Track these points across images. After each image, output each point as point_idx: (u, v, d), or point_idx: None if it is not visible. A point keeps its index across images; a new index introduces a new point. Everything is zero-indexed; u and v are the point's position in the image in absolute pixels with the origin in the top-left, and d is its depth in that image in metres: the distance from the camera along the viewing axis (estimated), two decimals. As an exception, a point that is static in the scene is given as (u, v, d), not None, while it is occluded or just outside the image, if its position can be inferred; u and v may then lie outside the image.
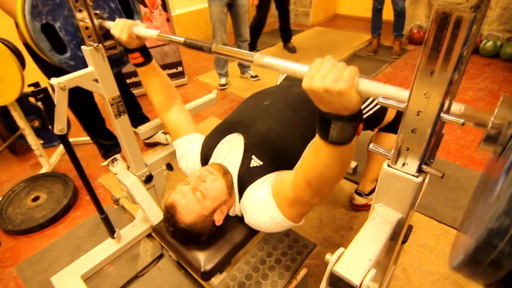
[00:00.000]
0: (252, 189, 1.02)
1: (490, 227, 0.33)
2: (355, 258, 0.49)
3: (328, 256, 0.51)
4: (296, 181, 0.84)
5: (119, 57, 1.31)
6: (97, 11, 1.18)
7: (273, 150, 1.06)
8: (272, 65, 0.69)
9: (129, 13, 1.33)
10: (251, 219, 1.02)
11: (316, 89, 0.56)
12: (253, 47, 3.94)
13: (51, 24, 1.12)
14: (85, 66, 1.22)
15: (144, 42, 1.14)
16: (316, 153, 0.71)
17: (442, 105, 0.44)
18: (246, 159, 1.05)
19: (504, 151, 0.41)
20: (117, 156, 2.17)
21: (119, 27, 1.07)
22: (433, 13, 0.40)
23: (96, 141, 2.10)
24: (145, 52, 1.17)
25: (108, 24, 1.14)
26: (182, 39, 0.94)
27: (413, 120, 0.48)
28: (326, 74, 0.55)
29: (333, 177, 0.75)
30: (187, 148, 1.22)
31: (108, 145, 2.13)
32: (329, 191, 0.81)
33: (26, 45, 1.61)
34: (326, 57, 0.59)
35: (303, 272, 1.07)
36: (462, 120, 0.45)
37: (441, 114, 0.45)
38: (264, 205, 0.95)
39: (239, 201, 1.06)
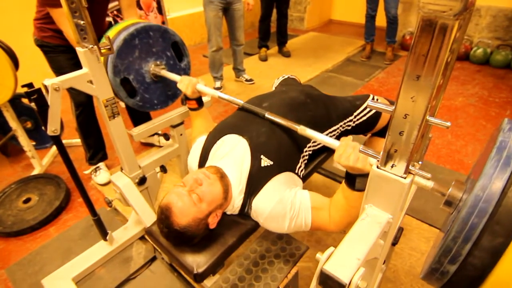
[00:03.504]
0: (271, 189, 1.05)
1: (431, 267, 0.61)
2: (345, 257, 0.50)
3: (318, 255, 0.52)
4: (335, 222, 1.03)
5: (175, 94, 1.64)
6: (158, 62, 1.49)
7: (279, 150, 1.11)
8: (312, 136, 1.01)
9: (180, 56, 1.59)
10: (277, 219, 1.05)
11: (344, 165, 0.88)
12: (260, 44, 3.98)
13: (126, 77, 1.41)
14: (151, 105, 1.56)
15: (201, 95, 1.42)
16: (347, 200, 0.97)
17: (428, 108, 0.46)
18: (255, 159, 1.08)
19: (452, 213, 0.65)
20: (101, 165, 2.11)
21: (185, 84, 1.35)
22: (418, 20, 0.42)
23: (86, 144, 2.03)
24: (200, 101, 1.43)
25: (174, 77, 1.42)
26: (241, 103, 1.23)
27: (401, 123, 0.49)
28: (349, 155, 0.85)
29: (359, 211, 0.90)
30: (194, 145, 1.31)
31: (96, 151, 2.06)
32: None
33: (41, 46, 1.73)
34: (348, 138, 0.90)
35: (294, 270, 1.08)
36: (448, 123, 0.47)
37: (427, 117, 0.47)
38: (300, 215, 1.04)
39: (249, 201, 1.08)
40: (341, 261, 0.49)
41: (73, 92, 1.76)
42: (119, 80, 1.38)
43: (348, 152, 0.86)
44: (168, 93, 1.60)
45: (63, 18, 1.54)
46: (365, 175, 0.83)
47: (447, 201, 0.64)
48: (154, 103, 1.56)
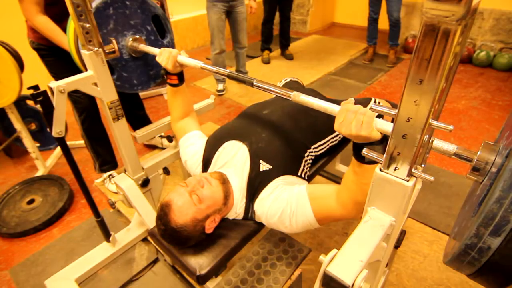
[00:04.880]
0: (270, 191, 1.05)
1: (466, 243, 0.49)
2: (348, 259, 0.50)
3: (321, 257, 0.52)
4: (343, 203, 0.92)
5: (157, 74, 1.50)
6: (137, 36, 1.35)
7: (279, 155, 1.11)
8: (308, 102, 0.85)
9: (162, 32, 1.46)
10: (274, 219, 1.04)
11: (345, 134, 0.73)
12: (263, 47, 4.00)
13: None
14: (131, 85, 1.43)
15: (184, 68, 1.29)
16: (357, 175, 0.83)
17: (431, 112, 0.46)
18: (254, 164, 1.09)
19: (483, 181, 0.55)
20: (114, 173, 2.08)
21: (165, 57, 1.21)
22: (421, 25, 0.42)
23: (95, 151, 1.99)
24: (181, 76, 1.31)
25: (152, 50, 1.28)
26: (226, 72, 1.10)
27: (404, 126, 0.50)
28: (350, 122, 0.71)
29: None
30: (188, 143, 1.29)
31: (106, 158, 2.03)
32: None
33: (37, 49, 1.69)
34: (349, 100, 0.76)
35: (297, 272, 1.08)
36: (451, 127, 0.47)
37: (430, 121, 0.47)
38: (299, 209, 0.99)
39: (251, 205, 1.09)
40: (344, 263, 0.50)
41: (74, 97, 1.74)
42: None
43: (349, 118, 0.72)
44: (150, 73, 1.47)
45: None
46: (374, 143, 0.74)
47: (475, 167, 0.54)
48: (134, 83, 1.43)
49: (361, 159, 0.79)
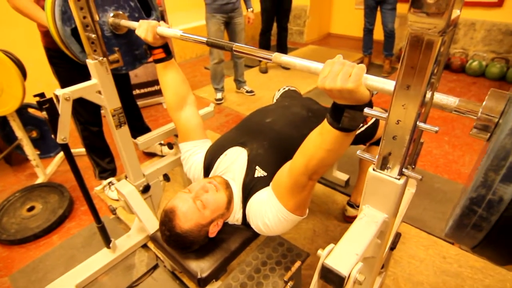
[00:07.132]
0: (257, 197, 1.08)
1: (471, 196, 0.40)
2: (344, 253, 0.54)
3: (320, 251, 0.55)
4: (294, 167, 0.89)
5: (143, 54, 1.40)
6: (120, 11, 1.27)
7: (276, 162, 1.11)
8: (289, 62, 0.77)
9: (147, 10, 1.39)
10: (257, 221, 1.06)
11: (329, 89, 0.64)
12: None
13: (79, 28, 1.18)
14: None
15: (167, 40, 1.22)
16: (323, 139, 0.77)
17: (418, 115, 0.51)
18: (250, 169, 1.11)
19: (490, 137, 0.46)
20: (113, 180, 2.10)
21: (144, 29, 1.14)
22: (407, 36, 0.47)
23: (93, 159, 2.03)
24: (166, 49, 1.24)
25: (132, 24, 1.21)
26: (204, 39, 1.02)
27: (394, 128, 0.54)
28: (336, 75, 0.62)
29: (331, 161, 0.81)
30: (192, 152, 1.28)
31: (104, 167, 2.05)
32: (322, 174, 0.87)
33: (50, 56, 1.69)
34: (336, 57, 0.66)
35: (297, 264, 1.10)
36: (436, 128, 0.51)
37: (418, 123, 0.51)
38: (267, 202, 1.01)
39: (245, 210, 1.11)
40: (340, 256, 0.53)
41: (75, 109, 1.74)
42: (70, 30, 1.17)
43: (335, 70, 0.62)
44: (135, 53, 1.38)
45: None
46: (357, 107, 0.66)
47: (479, 123, 0.45)
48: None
49: (337, 122, 0.70)
